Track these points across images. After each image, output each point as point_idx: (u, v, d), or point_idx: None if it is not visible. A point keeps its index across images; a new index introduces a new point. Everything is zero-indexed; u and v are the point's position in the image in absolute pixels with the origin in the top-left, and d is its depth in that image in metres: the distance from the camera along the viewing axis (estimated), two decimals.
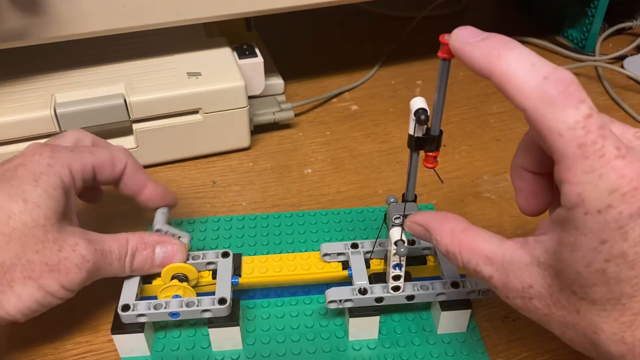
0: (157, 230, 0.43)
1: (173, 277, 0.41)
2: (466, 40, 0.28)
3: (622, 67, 0.72)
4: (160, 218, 0.45)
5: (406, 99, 0.68)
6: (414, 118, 0.34)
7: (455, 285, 0.40)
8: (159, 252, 0.41)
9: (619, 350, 0.27)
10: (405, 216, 0.37)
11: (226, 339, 0.40)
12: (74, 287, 0.37)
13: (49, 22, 0.49)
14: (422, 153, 0.36)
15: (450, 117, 0.65)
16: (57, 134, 0.51)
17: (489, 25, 0.84)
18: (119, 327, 0.39)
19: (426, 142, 0.35)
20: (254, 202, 0.54)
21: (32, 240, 0.35)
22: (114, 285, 0.41)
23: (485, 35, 0.27)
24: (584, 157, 0.24)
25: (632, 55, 0.74)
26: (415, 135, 0.35)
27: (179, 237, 0.43)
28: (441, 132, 0.35)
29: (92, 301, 0.44)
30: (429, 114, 0.33)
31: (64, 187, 0.38)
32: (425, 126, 0.34)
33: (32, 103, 0.51)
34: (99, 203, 0.47)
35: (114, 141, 0.54)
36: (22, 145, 0.51)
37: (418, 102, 0.34)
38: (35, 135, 0.51)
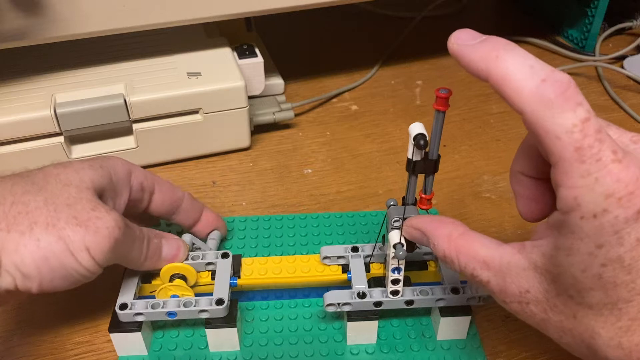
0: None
1: (172, 277, 0.41)
2: (465, 42, 0.27)
3: (622, 67, 0.72)
4: (212, 244, 0.46)
5: (406, 99, 0.68)
6: (413, 143, 0.34)
7: (455, 291, 0.40)
8: (165, 245, 0.41)
9: (616, 356, 0.27)
10: (405, 219, 0.36)
11: (224, 340, 0.40)
12: (99, 255, 0.35)
13: (49, 22, 0.49)
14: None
15: (451, 117, 0.65)
16: (57, 134, 0.52)
17: (489, 25, 0.85)
18: (117, 326, 0.39)
19: (424, 166, 0.36)
20: (254, 202, 0.54)
21: (64, 194, 0.35)
22: (114, 285, 0.41)
23: (484, 38, 0.27)
24: (580, 161, 0.24)
25: (632, 55, 0.74)
26: (414, 160, 0.35)
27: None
28: (439, 156, 0.36)
29: (92, 301, 0.44)
30: (427, 139, 0.34)
31: (112, 173, 0.39)
32: (424, 150, 0.35)
33: (32, 103, 0.51)
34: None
35: (113, 141, 0.55)
36: (22, 145, 0.51)
37: (417, 128, 0.34)
38: (35, 135, 0.51)
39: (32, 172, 0.36)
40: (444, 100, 0.33)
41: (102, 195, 0.38)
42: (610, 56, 0.73)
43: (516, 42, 0.81)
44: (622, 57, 0.74)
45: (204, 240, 0.46)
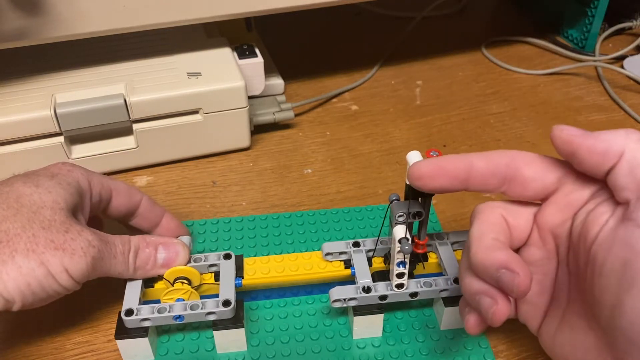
0: None
1: (176, 280, 0.41)
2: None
3: (622, 67, 0.72)
4: None
5: (406, 99, 0.68)
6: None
7: (457, 281, 0.40)
8: (162, 252, 0.41)
9: None
10: (409, 214, 0.37)
11: (231, 341, 0.40)
12: (78, 274, 0.36)
13: (49, 22, 0.49)
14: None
15: (450, 117, 0.65)
16: (57, 134, 0.52)
17: (489, 25, 0.85)
18: (123, 332, 0.39)
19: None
20: (254, 203, 0.54)
21: (39, 217, 0.35)
22: (114, 285, 0.41)
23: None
24: None
25: (632, 55, 0.74)
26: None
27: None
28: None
29: (92, 301, 0.44)
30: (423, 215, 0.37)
31: (78, 188, 0.39)
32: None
33: (32, 103, 0.51)
34: None
35: (113, 141, 0.55)
36: (22, 146, 0.51)
37: (414, 156, 0.36)
38: (35, 135, 0.51)
39: (4, 191, 0.36)
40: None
41: (74, 212, 0.38)
42: (610, 56, 0.73)
43: (516, 42, 0.81)
44: (622, 57, 0.73)
45: None
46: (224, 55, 0.58)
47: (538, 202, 0.36)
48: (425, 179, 0.34)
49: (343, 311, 0.43)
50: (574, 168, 0.33)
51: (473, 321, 0.34)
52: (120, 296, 0.40)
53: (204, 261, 0.42)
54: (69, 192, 0.38)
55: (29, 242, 0.34)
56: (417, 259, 0.43)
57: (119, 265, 0.39)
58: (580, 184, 0.33)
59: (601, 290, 0.30)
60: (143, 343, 0.39)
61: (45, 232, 0.35)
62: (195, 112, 0.55)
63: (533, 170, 0.34)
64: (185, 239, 0.43)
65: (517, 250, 0.36)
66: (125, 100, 0.52)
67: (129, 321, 0.38)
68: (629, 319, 0.28)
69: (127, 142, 0.55)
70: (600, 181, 0.32)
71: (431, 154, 0.36)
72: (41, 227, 0.35)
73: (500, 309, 0.31)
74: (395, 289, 0.40)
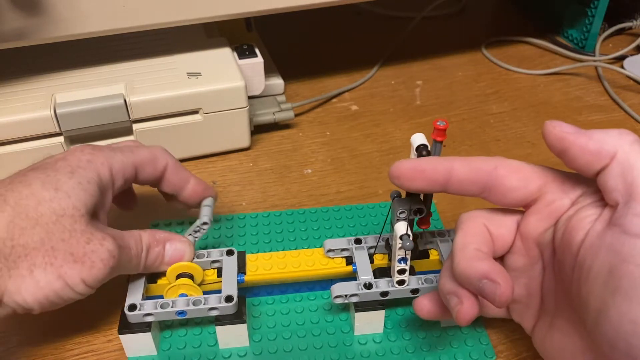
0: (204, 224, 0.42)
1: (179, 276, 0.41)
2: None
3: (622, 67, 0.72)
4: (207, 211, 0.44)
5: (406, 99, 0.68)
6: (416, 153, 0.36)
7: None
8: (169, 249, 0.40)
9: None
10: (410, 210, 0.37)
11: (233, 336, 0.40)
12: (95, 284, 0.36)
13: (49, 22, 0.49)
14: None
15: (450, 117, 0.65)
16: (57, 134, 0.52)
17: (489, 25, 0.85)
18: (126, 327, 0.39)
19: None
20: (253, 203, 0.54)
21: (59, 228, 0.35)
22: (115, 284, 0.41)
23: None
24: None
25: (632, 55, 0.74)
26: None
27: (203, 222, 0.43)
28: None
29: (92, 301, 0.43)
30: (429, 149, 0.35)
31: (99, 183, 0.38)
32: None
33: (32, 103, 0.51)
34: (132, 210, 0.47)
35: (113, 141, 0.54)
36: (22, 145, 0.51)
37: (419, 139, 0.36)
38: (35, 136, 0.51)
39: (23, 195, 0.35)
40: (441, 132, 0.35)
41: (95, 212, 0.38)
42: (610, 56, 0.73)
43: (516, 42, 0.81)
44: (622, 57, 0.74)
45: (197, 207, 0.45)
46: (224, 55, 0.58)
47: (520, 208, 0.36)
48: (403, 179, 0.34)
49: (344, 307, 0.43)
50: (556, 176, 0.34)
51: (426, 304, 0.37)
52: (120, 296, 0.40)
53: (207, 257, 0.42)
54: (89, 192, 0.37)
55: (47, 256, 0.34)
56: (417, 253, 0.43)
57: (132, 267, 0.39)
58: (561, 193, 0.33)
59: (587, 294, 0.30)
60: (146, 338, 0.39)
61: (64, 244, 0.35)
62: (195, 112, 0.55)
63: (515, 179, 0.34)
64: (209, 200, 0.44)
65: (501, 257, 0.37)
66: (125, 100, 0.52)
67: (132, 316, 0.38)
68: (613, 324, 0.28)
69: None
70: (581, 188, 0.33)
71: (438, 123, 0.35)
72: (61, 239, 0.35)
73: (464, 309, 0.33)
74: (397, 286, 0.40)
